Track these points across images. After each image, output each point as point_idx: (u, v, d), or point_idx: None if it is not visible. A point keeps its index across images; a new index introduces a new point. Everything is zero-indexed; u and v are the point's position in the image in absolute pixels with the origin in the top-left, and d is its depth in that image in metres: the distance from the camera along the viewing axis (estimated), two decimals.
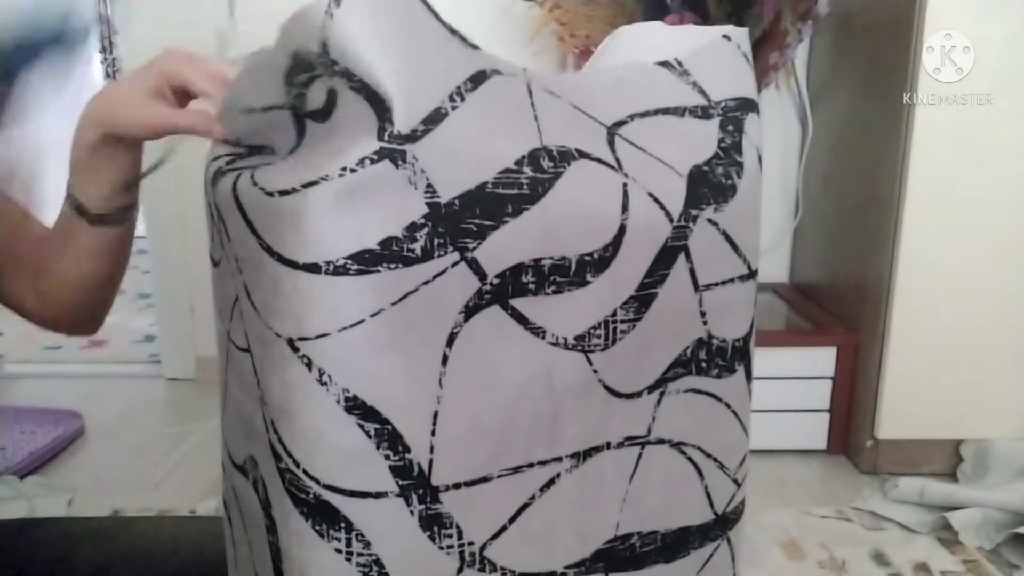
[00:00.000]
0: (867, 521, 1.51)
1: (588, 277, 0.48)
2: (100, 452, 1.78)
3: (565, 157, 0.47)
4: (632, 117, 0.52)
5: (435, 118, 0.42)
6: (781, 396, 1.73)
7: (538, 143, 0.46)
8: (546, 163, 0.46)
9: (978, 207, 1.53)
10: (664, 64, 0.55)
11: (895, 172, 1.55)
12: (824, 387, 1.73)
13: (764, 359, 1.69)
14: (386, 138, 0.41)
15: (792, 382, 1.72)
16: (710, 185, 0.53)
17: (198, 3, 1.97)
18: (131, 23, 2.04)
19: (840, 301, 1.83)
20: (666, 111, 0.53)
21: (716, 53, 0.57)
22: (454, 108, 0.43)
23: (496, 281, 0.45)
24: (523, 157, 0.45)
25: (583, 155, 0.48)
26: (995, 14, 1.45)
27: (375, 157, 0.41)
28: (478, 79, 0.45)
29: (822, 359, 1.71)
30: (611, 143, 0.50)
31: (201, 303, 1.89)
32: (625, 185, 0.49)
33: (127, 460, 1.57)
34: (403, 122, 0.42)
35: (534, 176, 0.45)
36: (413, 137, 0.42)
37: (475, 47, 0.46)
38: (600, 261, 0.48)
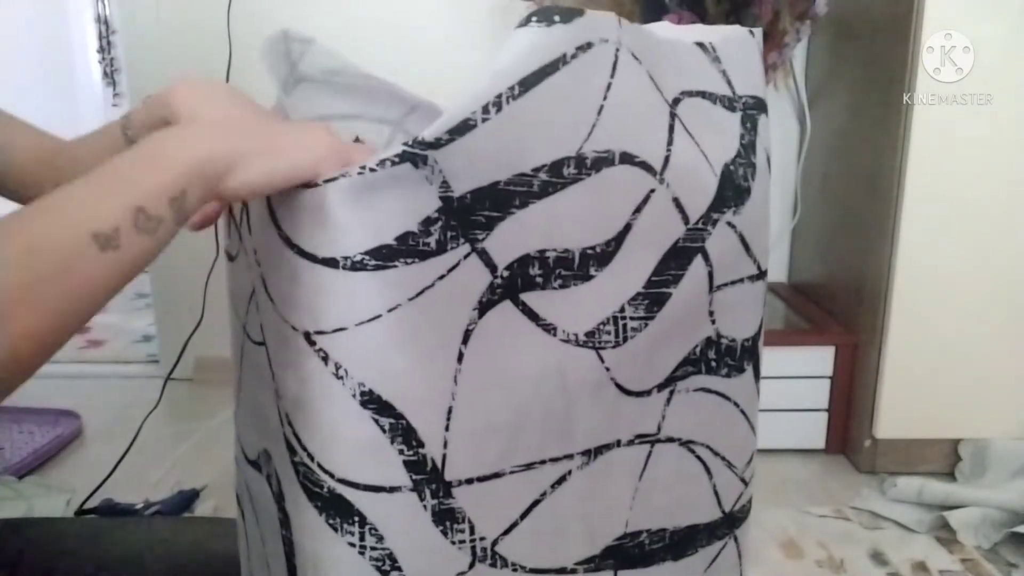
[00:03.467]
0: (865, 520, 1.51)
1: (592, 271, 0.48)
2: (98, 452, 1.77)
3: (598, 164, 0.46)
4: (683, 95, 0.52)
5: (462, 129, 0.42)
6: (779, 395, 1.73)
7: (574, 150, 0.45)
8: (568, 170, 0.45)
9: (976, 207, 1.53)
10: (700, 45, 0.54)
11: (893, 171, 1.55)
12: (822, 386, 1.73)
13: (763, 358, 1.69)
14: (410, 143, 0.42)
15: (790, 381, 1.73)
16: (733, 187, 0.53)
17: (196, 2, 1.97)
18: (130, 23, 2.03)
19: (838, 300, 1.83)
20: (703, 95, 0.53)
21: (742, 47, 0.56)
22: (485, 120, 0.42)
23: (506, 274, 0.45)
24: (543, 165, 0.45)
25: (625, 159, 0.47)
26: (995, 14, 1.45)
27: (396, 159, 0.41)
28: (542, 74, 0.43)
29: (820, 358, 1.72)
30: (671, 128, 0.50)
31: (198, 304, 1.88)
32: (652, 191, 0.49)
33: (125, 460, 1.56)
34: (430, 131, 0.42)
35: (547, 180, 0.45)
36: (436, 144, 0.42)
37: (573, 19, 0.44)
38: (602, 255, 0.48)
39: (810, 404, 1.74)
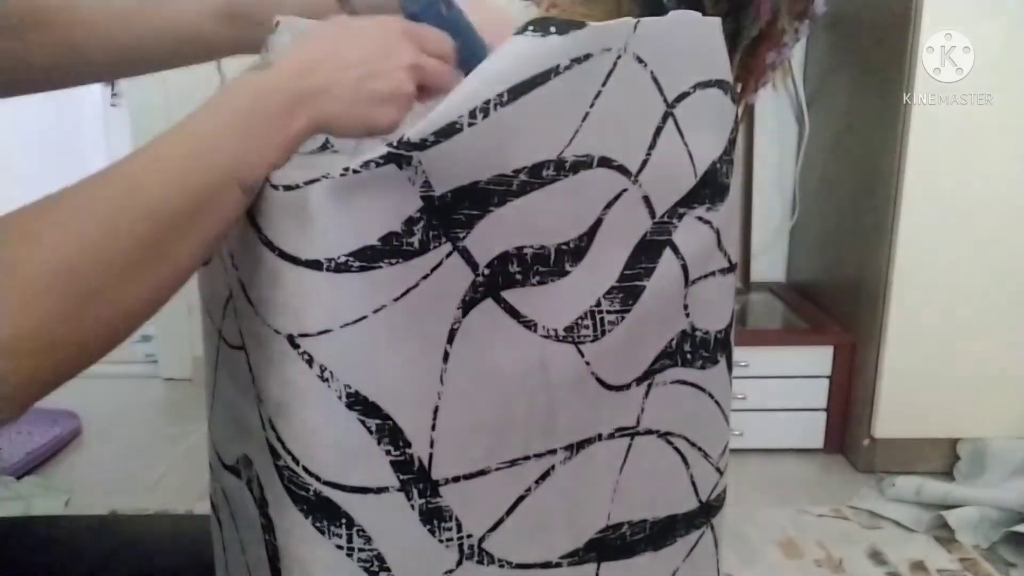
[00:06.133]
0: (864, 520, 1.51)
1: (567, 267, 0.48)
2: (97, 452, 1.78)
3: (577, 167, 0.46)
4: (696, 87, 0.52)
5: (448, 132, 0.42)
6: (778, 395, 1.73)
7: (555, 154, 0.45)
8: (547, 172, 0.46)
9: (975, 207, 1.53)
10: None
11: (892, 171, 1.55)
12: (821, 386, 1.73)
13: (761, 358, 1.69)
14: (395, 144, 0.42)
15: (789, 381, 1.72)
16: (715, 185, 0.54)
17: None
18: None
19: (837, 300, 1.83)
20: (719, 84, 0.53)
21: (716, 31, 0.55)
22: (471, 124, 0.42)
23: (487, 272, 0.45)
24: (523, 167, 0.45)
25: (603, 162, 0.47)
26: (995, 14, 1.45)
27: (381, 161, 0.41)
28: (532, 84, 0.43)
29: (819, 358, 1.72)
30: (657, 132, 0.49)
31: (197, 304, 1.89)
32: (624, 190, 0.49)
33: (124, 460, 1.57)
34: (415, 132, 0.42)
35: (526, 180, 0.45)
36: (422, 146, 0.42)
37: (569, 31, 0.43)
38: (576, 250, 0.48)
39: (808, 404, 1.74)
